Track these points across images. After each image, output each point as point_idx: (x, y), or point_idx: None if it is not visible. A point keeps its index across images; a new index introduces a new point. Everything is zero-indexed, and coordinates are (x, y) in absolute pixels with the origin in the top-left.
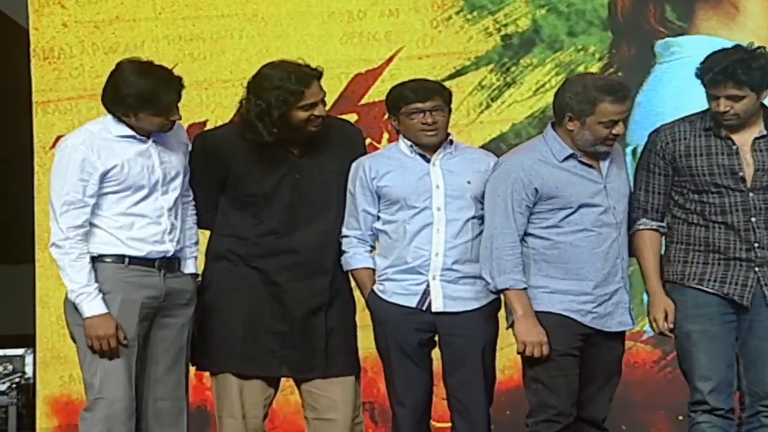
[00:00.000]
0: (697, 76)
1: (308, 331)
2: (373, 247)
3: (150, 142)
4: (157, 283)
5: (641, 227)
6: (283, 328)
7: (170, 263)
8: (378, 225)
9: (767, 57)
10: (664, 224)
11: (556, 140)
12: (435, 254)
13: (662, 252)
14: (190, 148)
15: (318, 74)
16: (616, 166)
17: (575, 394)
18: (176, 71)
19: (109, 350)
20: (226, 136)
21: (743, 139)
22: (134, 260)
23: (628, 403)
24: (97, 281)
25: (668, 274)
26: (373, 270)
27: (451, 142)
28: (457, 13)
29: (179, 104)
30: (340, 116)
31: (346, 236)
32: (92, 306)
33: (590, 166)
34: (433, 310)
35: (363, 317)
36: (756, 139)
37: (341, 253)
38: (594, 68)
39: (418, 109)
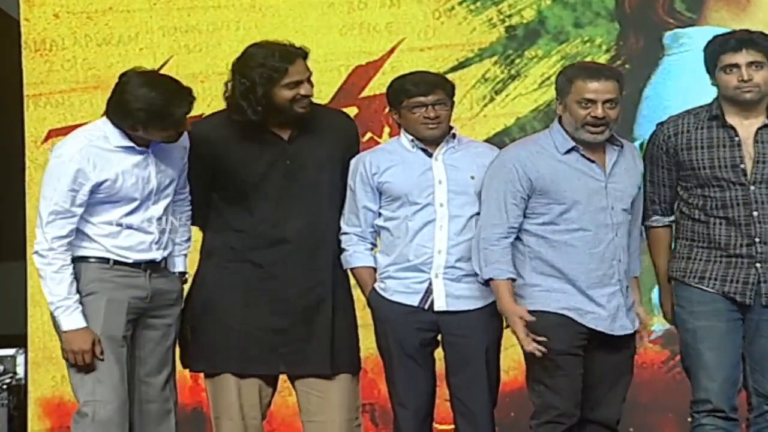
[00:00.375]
0: (709, 54)
1: (310, 325)
2: (373, 245)
3: (148, 152)
4: (143, 284)
5: (654, 224)
6: (282, 323)
7: (156, 264)
8: (379, 222)
9: None
10: (673, 218)
11: (560, 133)
12: (438, 252)
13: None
14: (188, 146)
15: (303, 53)
16: (624, 166)
17: (579, 394)
18: (171, 63)
19: (84, 365)
20: (214, 124)
21: (747, 132)
22: (119, 262)
23: (635, 405)
24: (80, 282)
25: (671, 270)
26: (374, 268)
27: (454, 135)
28: (460, 3)
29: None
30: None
31: (346, 233)
32: (70, 320)
33: (593, 161)
34: (436, 309)
35: (363, 316)
36: (759, 129)
37: (340, 245)
38: (601, 60)
39: (420, 102)
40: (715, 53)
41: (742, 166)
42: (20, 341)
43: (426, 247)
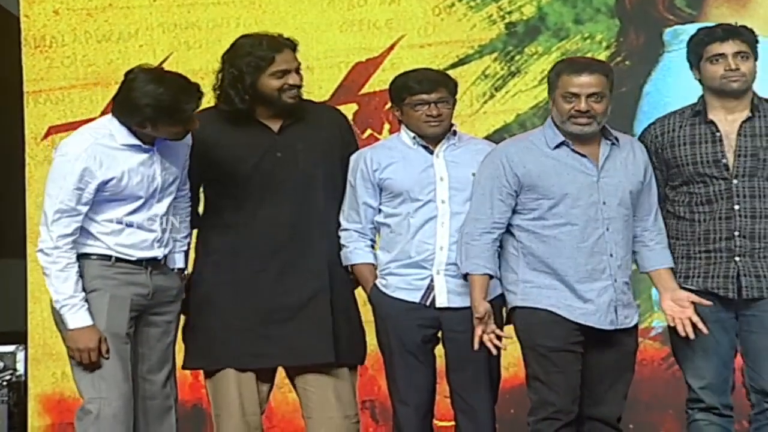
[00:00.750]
0: (694, 46)
1: (309, 317)
2: (373, 241)
3: (154, 149)
4: (144, 281)
5: None
6: (280, 316)
7: (157, 261)
8: (379, 218)
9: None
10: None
11: (552, 128)
12: (440, 248)
13: None
14: (191, 142)
15: (292, 44)
16: (620, 160)
17: (576, 390)
18: (171, 60)
19: (90, 363)
20: (204, 118)
21: (730, 127)
22: (120, 259)
23: (635, 402)
24: (83, 279)
25: None
26: (374, 265)
27: (455, 132)
28: (460, 0)
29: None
30: (339, 106)
31: (346, 230)
32: (76, 318)
33: (584, 156)
34: (438, 305)
35: (364, 313)
36: (743, 123)
37: (336, 236)
38: (601, 57)
39: (423, 100)
40: (700, 44)
41: (723, 160)
42: (20, 338)
43: (428, 243)
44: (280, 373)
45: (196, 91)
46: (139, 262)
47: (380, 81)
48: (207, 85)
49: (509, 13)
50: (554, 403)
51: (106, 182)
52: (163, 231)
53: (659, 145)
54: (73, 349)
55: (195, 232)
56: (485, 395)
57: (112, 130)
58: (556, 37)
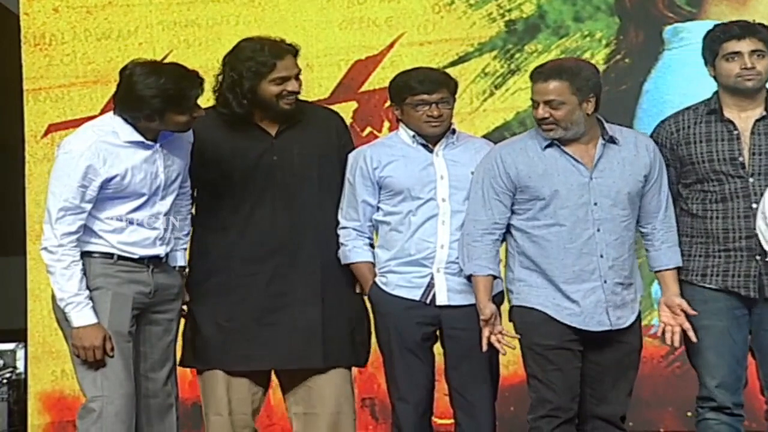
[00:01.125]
0: (710, 43)
1: (300, 320)
2: (371, 239)
3: (157, 146)
4: (146, 279)
5: None
6: (272, 318)
7: (158, 259)
8: (378, 216)
9: None
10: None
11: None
12: (440, 246)
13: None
14: (192, 141)
15: (294, 50)
16: (619, 159)
17: (575, 388)
18: (170, 58)
19: (95, 361)
20: (202, 119)
21: (745, 123)
22: (122, 257)
23: (635, 399)
24: (86, 277)
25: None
26: (373, 263)
27: (454, 131)
28: None
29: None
30: (339, 104)
31: (345, 228)
32: (81, 316)
33: (574, 156)
34: (438, 303)
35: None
36: (757, 121)
37: (330, 238)
38: (601, 55)
39: (424, 101)
40: (716, 41)
41: (740, 159)
42: (20, 336)
43: (428, 241)
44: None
45: (197, 77)
46: (140, 260)
47: (380, 79)
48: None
49: (509, 10)
50: (552, 400)
51: (109, 180)
52: (166, 229)
53: (674, 142)
54: (78, 347)
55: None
56: (485, 393)
57: (115, 128)
58: (556, 35)
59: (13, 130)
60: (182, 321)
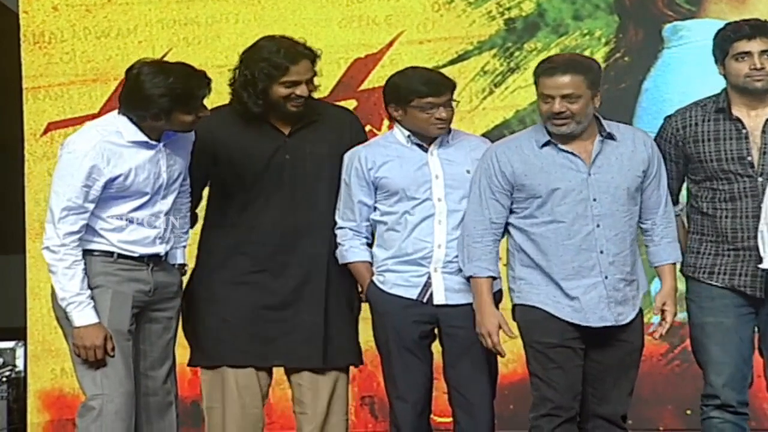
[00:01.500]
0: (720, 41)
1: (303, 319)
2: (368, 239)
3: (160, 146)
4: (146, 277)
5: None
6: (276, 316)
7: (158, 257)
8: (375, 216)
9: None
10: (680, 207)
11: (541, 127)
12: (437, 246)
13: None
14: (194, 139)
15: (312, 55)
16: (617, 155)
17: (577, 386)
18: (170, 56)
19: (95, 360)
20: (217, 116)
21: (754, 123)
22: (122, 255)
23: (634, 397)
24: (86, 275)
25: (682, 265)
26: (370, 263)
27: (449, 131)
28: None
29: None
30: (338, 102)
31: (342, 228)
32: (82, 316)
33: (572, 153)
34: (435, 302)
35: (363, 309)
36: (767, 120)
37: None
38: (600, 53)
39: (432, 103)
40: (727, 40)
41: (749, 158)
42: (20, 334)
43: (425, 241)
44: (279, 369)
45: (204, 77)
46: (140, 258)
47: (379, 77)
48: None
49: (508, 9)
50: (553, 399)
51: (113, 180)
52: (166, 228)
53: (680, 138)
54: (79, 346)
55: (196, 229)
56: (484, 391)
57: (119, 127)
58: (555, 34)
59: (13, 129)
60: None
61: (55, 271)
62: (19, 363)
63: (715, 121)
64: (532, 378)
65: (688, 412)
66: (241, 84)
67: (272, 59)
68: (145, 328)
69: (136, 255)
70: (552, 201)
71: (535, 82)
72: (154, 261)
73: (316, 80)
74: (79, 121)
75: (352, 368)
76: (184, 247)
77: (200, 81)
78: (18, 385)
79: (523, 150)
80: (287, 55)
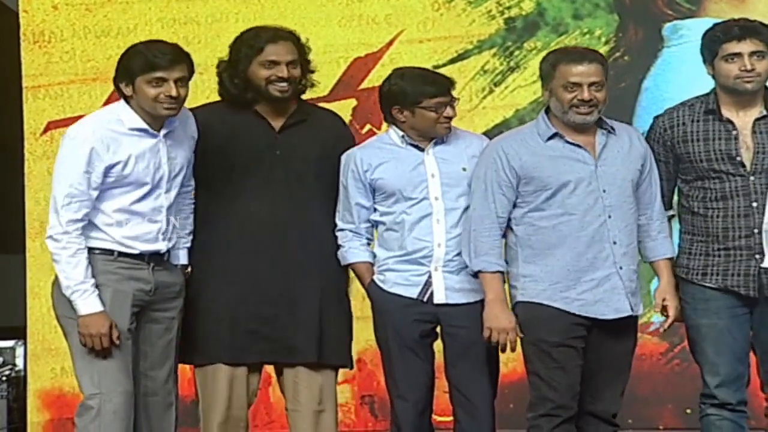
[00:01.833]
0: (709, 42)
1: (296, 315)
2: (369, 239)
3: (161, 136)
4: (146, 276)
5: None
6: (269, 312)
7: (160, 256)
8: (375, 217)
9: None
10: (673, 212)
11: (545, 121)
12: (437, 245)
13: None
14: (196, 139)
15: (294, 38)
16: (617, 149)
17: (576, 386)
18: None
19: (101, 349)
20: (208, 111)
21: (743, 122)
22: (123, 253)
23: (634, 397)
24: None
25: (675, 267)
26: (371, 263)
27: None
28: None
29: (182, 82)
30: (338, 101)
31: (342, 229)
32: (87, 304)
33: (579, 146)
34: (435, 302)
35: (363, 308)
36: (756, 120)
37: (330, 237)
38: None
39: (441, 103)
40: (716, 41)
41: (738, 158)
42: (20, 333)
43: (425, 240)
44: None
45: (178, 51)
46: (141, 256)
47: (379, 76)
48: (206, 80)
49: (508, 8)
50: (553, 399)
51: (111, 166)
52: (168, 223)
53: (668, 138)
54: (84, 335)
55: None
56: (484, 390)
57: (121, 115)
58: (555, 33)
59: (13, 128)
60: None
61: (59, 259)
62: (19, 362)
63: (704, 121)
64: (532, 377)
65: (688, 411)
66: (224, 68)
67: (249, 40)
68: (147, 328)
69: (136, 252)
70: (562, 193)
71: (549, 72)
72: (156, 260)
73: (315, 78)
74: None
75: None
76: (187, 247)
77: (166, 52)
78: (18, 384)
79: (528, 143)
80: (265, 34)
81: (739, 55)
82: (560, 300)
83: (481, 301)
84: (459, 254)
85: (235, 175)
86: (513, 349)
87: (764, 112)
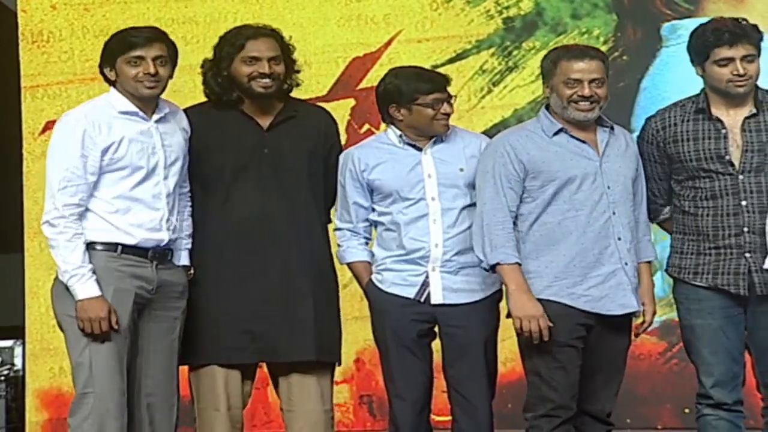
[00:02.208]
0: (700, 46)
1: (291, 314)
2: (367, 238)
3: (152, 121)
4: (149, 275)
5: (664, 217)
6: (263, 311)
7: (163, 254)
8: (373, 216)
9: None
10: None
11: (547, 117)
12: (434, 245)
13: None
14: (189, 134)
15: (276, 35)
16: (618, 146)
17: (575, 387)
18: None
19: (101, 333)
20: (197, 110)
21: (733, 121)
22: (127, 249)
23: (633, 396)
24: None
25: (667, 266)
26: (369, 263)
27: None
28: None
29: (161, 61)
30: (337, 101)
31: (340, 229)
32: (85, 288)
33: (583, 142)
34: (432, 302)
35: (361, 308)
36: (746, 118)
37: (321, 237)
38: None
39: (438, 99)
40: (707, 45)
41: (727, 157)
42: (18, 333)
43: (422, 240)
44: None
45: (153, 31)
46: (145, 253)
47: (378, 76)
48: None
49: (507, 8)
50: (554, 399)
51: (106, 149)
52: (169, 212)
53: (661, 139)
54: (84, 319)
55: None
56: (482, 390)
57: (111, 100)
58: (554, 32)
59: (11, 128)
60: None
61: (56, 244)
62: (18, 362)
63: (694, 121)
64: (532, 376)
65: (686, 410)
66: (208, 68)
67: (231, 38)
68: (148, 326)
69: (138, 240)
70: (569, 189)
71: (551, 69)
72: (159, 258)
73: (313, 78)
74: None
75: (352, 367)
76: (188, 249)
77: (141, 31)
78: (16, 383)
79: (534, 138)
80: (246, 32)
81: (731, 59)
82: (567, 296)
83: (479, 301)
84: (457, 254)
85: (224, 175)
86: (545, 338)
87: (754, 111)
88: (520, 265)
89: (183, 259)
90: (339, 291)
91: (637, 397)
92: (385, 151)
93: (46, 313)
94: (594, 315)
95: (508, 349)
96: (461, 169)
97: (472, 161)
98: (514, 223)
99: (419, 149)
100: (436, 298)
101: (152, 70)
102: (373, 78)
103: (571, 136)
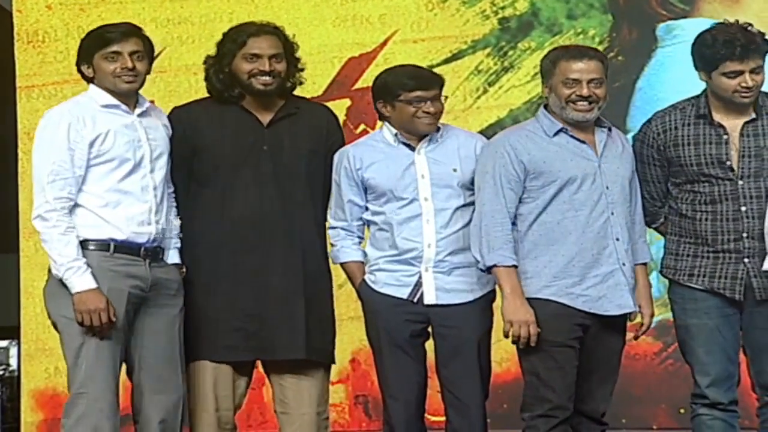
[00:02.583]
0: (710, 57)
1: (283, 312)
2: (360, 238)
3: (134, 115)
4: (143, 273)
5: (660, 221)
6: (256, 309)
7: (155, 252)
8: (367, 215)
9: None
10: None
11: (547, 117)
12: (427, 246)
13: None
14: (170, 132)
15: (279, 32)
16: (615, 148)
17: (572, 387)
18: (164, 55)
19: (99, 325)
20: (195, 107)
21: (734, 125)
22: (119, 248)
23: (628, 396)
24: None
25: (662, 268)
26: (363, 262)
27: (438, 128)
28: None
29: (138, 56)
30: (333, 101)
31: (334, 228)
32: (82, 280)
33: (583, 142)
34: (426, 302)
35: (355, 308)
36: (746, 123)
37: (318, 236)
38: None
39: (420, 97)
40: (718, 58)
41: (728, 162)
42: (13, 333)
43: (415, 241)
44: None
45: (129, 27)
46: (137, 251)
47: (373, 76)
48: (200, 80)
49: (502, 8)
50: (552, 400)
51: (93, 141)
52: (158, 205)
53: (661, 143)
54: (82, 311)
55: None
56: (476, 390)
57: (92, 95)
58: (549, 33)
59: (6, 128)
60: None
61: (49, 239)
62: (13, 362)
63: (695, 125)
64: (529, 376)
65: (682, 410)
66: (210, 64)
67: (233, 35)
68: (145, 324)
69: (128, 235)
70: (569, 189)
71: (550, 69)
72: (152, 256)
73: (309, 78)
74: None
75: (347, 367)
76: (178, 248)
77: (117, 27)
78: (12, 384)
79: (535, 138)
80: (248, 29)
81: (740, 72)
82: (565, 296)
83: (473, 302)
84: (450, 254)
85: (222, 170)
86: (534, 343)
87: (753, 116)
88: (516, 267)
89: (173, 257)
90: (333, 291)
91: (633, 397)
92: (379, 150)
93: (41, 313)
94: (591, 315)
95: (503, 349)
96: (455, 170)
97: (466, 161)
98: (513, 223)
99: (413, 149)
100: (429, 298)
101: (129, 65)
102: (368, 78)
103: (571, 137)
